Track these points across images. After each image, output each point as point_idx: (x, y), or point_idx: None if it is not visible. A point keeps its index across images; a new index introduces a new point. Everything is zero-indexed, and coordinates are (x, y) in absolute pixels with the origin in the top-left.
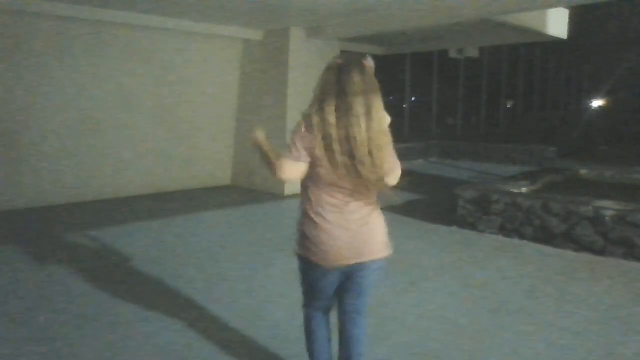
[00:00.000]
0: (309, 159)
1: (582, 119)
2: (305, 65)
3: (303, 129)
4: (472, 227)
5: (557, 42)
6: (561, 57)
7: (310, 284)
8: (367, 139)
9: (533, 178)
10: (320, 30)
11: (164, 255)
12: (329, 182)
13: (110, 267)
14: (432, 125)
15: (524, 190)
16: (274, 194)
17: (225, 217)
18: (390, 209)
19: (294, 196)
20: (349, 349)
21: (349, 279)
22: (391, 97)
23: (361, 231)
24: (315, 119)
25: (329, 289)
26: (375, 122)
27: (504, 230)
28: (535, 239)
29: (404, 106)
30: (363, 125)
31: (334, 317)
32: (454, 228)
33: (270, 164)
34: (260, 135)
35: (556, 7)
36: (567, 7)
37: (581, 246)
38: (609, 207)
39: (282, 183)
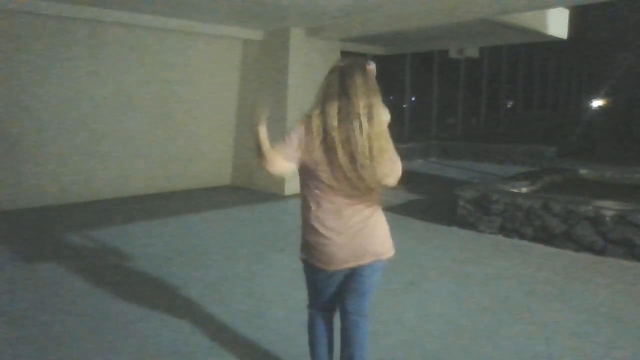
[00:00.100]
0: (299, 160)
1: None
2: (305, 65)
3: (302, 131)
4: (472, 227)
5: (557, 42)
6: (561, 57)
7: (314, 286)
8: (368, 142)
9: (533, 178)
10: (320, 30)
11: (164, 255)
12: (328, 185)
13: (110, 267)
14: (432, 125)
15: (524, 190)
16: (274, 194)
17: (225, 217)
18: (390, 209)
19: (294, 196)
20: (350, 351)
21: (351, 280)
22: (391, 97)
23: (361, 234)
24: (316, 122)
25: (331, 290)
26: (376, 125)
27: (504, 230)
28: (535, 239)
29: (404, 106)
30: (365, 127)
31: (337, 318)
32: (454, 228)
33: (260, 154)
34: (262, 121)
35: (556, 7)
36: (567, 7)
37: (581, 246)
38: (609, 207)
39: (281, 184)
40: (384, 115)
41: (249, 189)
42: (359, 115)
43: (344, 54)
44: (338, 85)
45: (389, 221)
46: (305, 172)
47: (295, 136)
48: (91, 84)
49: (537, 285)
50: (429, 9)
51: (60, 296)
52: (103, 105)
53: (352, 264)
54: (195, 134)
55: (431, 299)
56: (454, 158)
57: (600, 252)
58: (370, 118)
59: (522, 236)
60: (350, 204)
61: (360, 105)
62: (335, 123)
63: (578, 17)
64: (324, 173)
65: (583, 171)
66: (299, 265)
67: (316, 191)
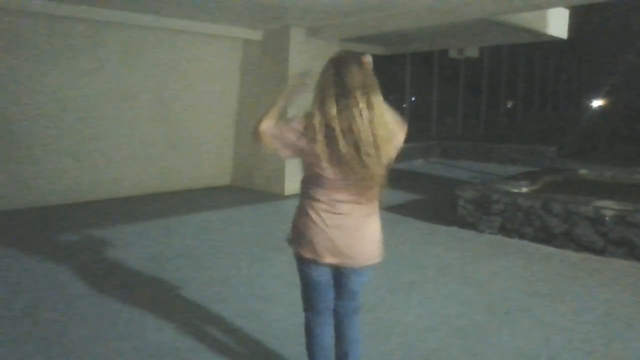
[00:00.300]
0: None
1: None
2: (305, 65)
3: (302, 126)
4: (472, 227)
5: (557, 42)
6: (561, 57)
7: (306, 282)
8: (370, 130)
9: (533, 178)
10: (320, 30)
11: (164, 255)
12: (330, 182)
13: (110, 267)
14: (432, 125)
15: (524, 190)
16: (274, 194)
17: (225, 217)
18: (390, 209)
19: (293, 196)
20: (344, 348)
21: (339, 281)
22: (391, 97)
23: (353, 235)
24: (317, 118)
25: (321, 288)
26: (377, 115)
27: (504, 230)
28: (535, 239)
29: (404, 106)
30: (365, 116)
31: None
32: (454, 228)
33: (266, 113)
34: (293, 91)
35: (556, 7)
36: (567, 7)
37: (581, 246)
38: (609, 207)
39: (281, 184)
40: (385, 108)
41: (249, 189)
42: (357, 104)
43: (346, 52)
44: (334, 75)
45: (389, 221)
46: (308, 167)
47: (294, 129)
48: (90, 84)
49: (537, 285)
50: (429, 9)
51: (60, 296)
52: (102, 105)
53: (339, 262)
54: (195, 134)
55: (431, 299)
56: (454, 158)
57: (600, 252)
58: (369, 106)
59: (522, 236)
60: (350, 205)
61: (358, 93)
62: (334, 112)
63: (578, 17)
64: (327, 168)
65: (583, 171)
66: None
67: (318, 186)
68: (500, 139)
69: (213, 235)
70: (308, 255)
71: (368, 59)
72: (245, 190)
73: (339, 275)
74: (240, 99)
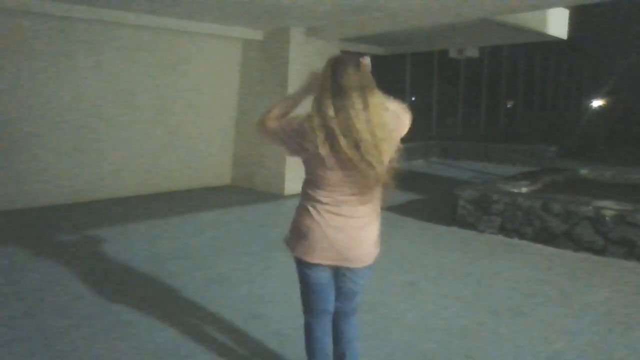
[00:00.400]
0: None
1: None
2: (305, 65)
3: (300, 129)
4: (472, 227)
5: (557, 42)
6: (561, 57)
7: (306, 284)
8: (368, 130)
9: (533, 178)
10: (320, 30)
11: (164, 255)
12: (333, 183)
13: (110, 267)
14: (432, 125)
15: (524, 190)
16: (274, 194)
17: (225, 217)
18: (390, 209)
19: (293, 196)
20: (342, 349)
21: (338, 282)
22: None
23: (353, 236)
24: (316, 120)
25: (320, 289)
26: (374, 114)
27: (504, 230)
28: (535, 239)
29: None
30: (362, 116)
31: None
32: (454, 228)
33: (276, 106)
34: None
35: (556, 7)
36: (567, 7)
37: (581, 246)
38: (609, 207)
39: (281, 184)
40: (383, 107)
41: (249, 189)
42: (354, 105)
43: (344, 54)
44: (331, 77)
45: (389, 221)
46: (310, 168)
47: (295, 129)
48: (91, 84)
49: (537, 285)
50: (429, 9)
51: (60, 296)
52: (103, 105)
53: (339, 263)
54: (195, 133)
55: (431, 299)
56: (454, 158)
57: (600, 252)
58: (366, 107)
59: (522, 236)
60: (351, 203)
61: (354, 94)
62: (332, 113)
63: (578, 17)
64: (329, 169)
65: (583, 171)
66: None
67: (320, 187)
68: (500, 139)
69: (213, 235)
70: (308, 257)
71: (366, 61)
72: (245, 190)
73: (339, 276)
74: (240, 99)
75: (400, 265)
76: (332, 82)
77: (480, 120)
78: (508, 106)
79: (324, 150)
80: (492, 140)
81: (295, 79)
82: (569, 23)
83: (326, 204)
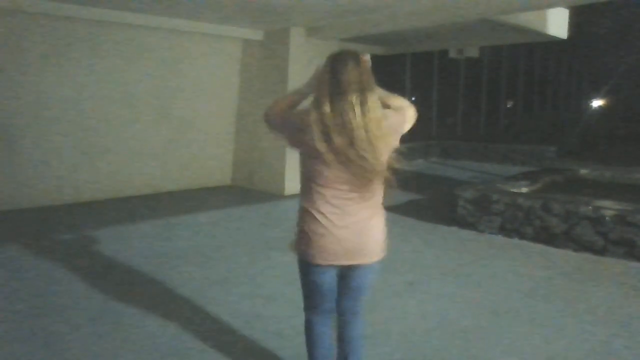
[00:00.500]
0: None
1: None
2: (305, 65)
3: (299, 122)
4: (472, 227)
5: (557, 42)
6: (561, 57)
7: (308, 285)
8: (363, 126)
9: (533, 178)
10: (320, 30)
11: (164, 255)
12: (332, 181)
13: (110, 267)
14: (432, 125)
15: (524, 190)
16: (274, 194)
17: (225, 217)
18: (390, 209)
19: (293, 196)
20: (346, 350)
21: (344, 281)
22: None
23: (360, 233)
24: (313, 115)
25: (325, 289)
26: (371, 110)
27: (504, 230)
28: (535, 239)
29: None
30: (357, 111)
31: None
32: (454, 228)
33: (285, 98)
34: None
35: (556, 7)
36: (567, 7)
37: (581, 246)
38: (609, 207)
39: (281, 184)
40: (383, 105)
41: (249, 189)
42: (350, 100)
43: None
44: (330, 72)
45: (389, 221)
46: (308, 164)
47: (295, 122)
48: (91, 84)
49: (537, 285)
50: (429, 9)
51: (60, 296)
52: (103, 105)
53: (344, 262)
54: (195, 133)
55: (431, 299)
56: (454, 158)
57: (600, 252)
58: (363, 102)
59: (522, 236)
60: (353, 203)
61: (352, 90)
62: (327, 109)
63: (578, 17)
64: (328, 167)
65: (583, 171)
66: None
67: (319, 184)
68: (500, 139)
69: (213, 235)
70: (319, 260)
71: (366, 57)
72: (245, 190)
73: (346, 274)
74: (240, 99)
75: (400, 265)
76: (331, 77)
77: (480, 120)
78: (508, 106)
79: (320, 146)
80: (492, 140)
81: (296, 79)
82: (569, 23)
83: (328, 204)
